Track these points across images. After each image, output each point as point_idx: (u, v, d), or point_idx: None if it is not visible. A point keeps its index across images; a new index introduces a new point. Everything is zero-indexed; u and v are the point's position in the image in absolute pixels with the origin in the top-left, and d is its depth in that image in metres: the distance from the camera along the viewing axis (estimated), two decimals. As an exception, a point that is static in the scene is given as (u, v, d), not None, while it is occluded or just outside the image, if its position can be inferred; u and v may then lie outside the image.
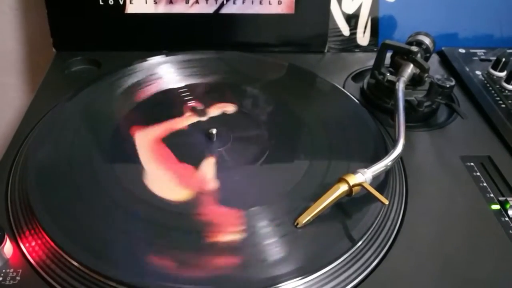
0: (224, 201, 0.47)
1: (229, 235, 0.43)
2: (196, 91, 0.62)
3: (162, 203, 0.46)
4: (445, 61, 0.74)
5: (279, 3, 0.71)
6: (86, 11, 0.69)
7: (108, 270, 0.39)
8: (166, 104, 0.60)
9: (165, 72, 0.65)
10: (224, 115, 0.59)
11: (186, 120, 0.57)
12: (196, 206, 0.46)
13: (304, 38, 0.74)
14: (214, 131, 0.54)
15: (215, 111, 0.59)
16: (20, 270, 0.41)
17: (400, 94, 0.56)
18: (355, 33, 0.76)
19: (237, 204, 0.46)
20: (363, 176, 0.45)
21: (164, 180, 0.49)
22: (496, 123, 0.60)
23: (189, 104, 0.60)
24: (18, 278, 0.40)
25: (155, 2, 0.70)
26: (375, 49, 0.75)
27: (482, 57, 0.73)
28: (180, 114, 0.58)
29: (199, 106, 0.59)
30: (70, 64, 0.69)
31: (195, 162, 0.51)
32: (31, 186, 0.46)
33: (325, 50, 0.75)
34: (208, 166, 0.51)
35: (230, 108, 0.59)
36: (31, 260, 0.41)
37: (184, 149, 0.53)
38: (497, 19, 0.77)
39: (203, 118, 0.58)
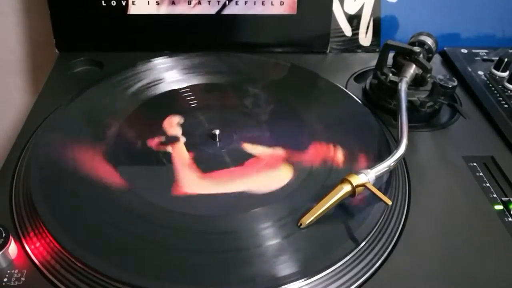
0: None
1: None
2: (199, 92, 0.63)
3: (163, 205, 0.46)
4: (447, 61, 0.74)
5: (281, 3, 0.71)
6: (88, 12, 0.69)
7: (112, 270, 0.39)
8: (169, 105, 0.60)
9: (168, 73, 0.65)
10: (226, 116, 0.59)
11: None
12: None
13: (306, 39, 0.74)
14: (217, 132, 0.54)
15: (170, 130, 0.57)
16: (25, 271, 0.41)
17: (403, 95, 0.56)
18: (357, 34, 0.76)
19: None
20: (366, 177, 0.45)
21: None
22: (499, 123, 0.60)
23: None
24: (23, 278, 0.40)
25: (157, 3, 0.70)
26: (377, 50, 0.75)
27: (485, 57, 0.73)
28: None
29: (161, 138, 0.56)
30: (73, 65, 0.69)
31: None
32: (35, 187, 0.47)
33: (327, 51, 0.75)
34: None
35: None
36: (36, 261, 0.42)
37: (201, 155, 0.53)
38: (499, 19, 0.77)
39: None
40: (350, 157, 0.53)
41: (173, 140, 0.54)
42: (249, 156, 0.53)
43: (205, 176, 0.50)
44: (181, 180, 0.49)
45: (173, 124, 0.57)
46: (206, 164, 0.52)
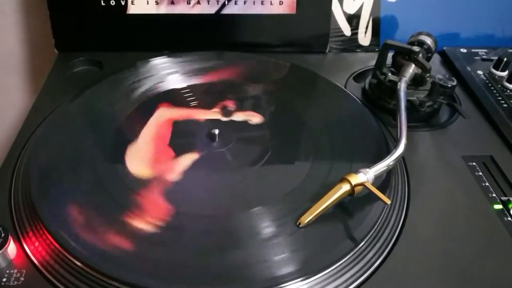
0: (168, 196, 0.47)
1: (146, 225, 0.44)
2: (198, 92, 0.63)
3: (163, 204, 0.46)
4: (446, 61, 0.74)
5: (281, 3, 0.71)
6: (87, 12, 0.69)
7: (111, 270, 0.39)
8: (167, 104, 0.60)
9: (167, 73, 0.65)
10: (226, 116, 0.59)
11: (209, 114, 0.58)
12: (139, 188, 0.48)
13: (306, 38, 0.74)
14: (216, 131, 0.54)
15: (239, 116, 0.59)
16: (24, 271, 0.41)
17: (402, 94, 0.56)
18: (356, 33, 0.76)
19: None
20: (365, 176, 0.45)
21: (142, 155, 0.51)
22: (498, 122, 0.60)
23: (221, 101, 0.60)
24: (22, 278, 0.40)
25: (157, 3, 0.70)
26: (377, 49, 0.75)
27: (484, 57, 0.73)
28: (208, 106, 0.59)
29: (230, 106, 0.60)
30: (72, 65, 0.69)
31: (179, 152, 0.52)
32: (34, 187, 0.47)
33: (327, 50, 0.75)
34: (186, 160, 0.52)
35: (255, 119, 0.58)
36: (35, 261, 0.42)
37: (183, 137, 0.55)
38: (498, 18, 0.77)
39: (225, 119, 0.58)
40: (349, 157, 0.53)
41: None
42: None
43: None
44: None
45: (194, 111, 0.58)
46: (206, 163, 0.52)
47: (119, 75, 0.64)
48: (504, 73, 0.68)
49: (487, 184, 0.52)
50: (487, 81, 0.67)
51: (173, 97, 0.61)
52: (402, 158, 0.52)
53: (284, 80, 0.68)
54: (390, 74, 0.61)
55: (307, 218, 0.43)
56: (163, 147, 0.53)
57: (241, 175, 0.51)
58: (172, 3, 0.70)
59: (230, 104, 0.60)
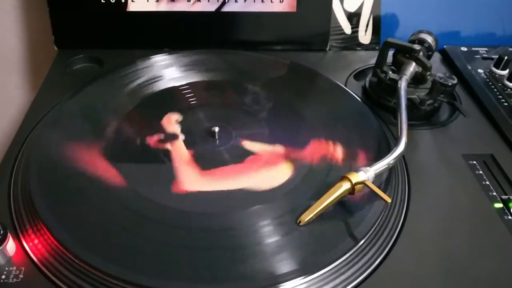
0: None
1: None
2: (198, 89, 0.62)
3: (162, 202, 0.46)
4: (447, 59, 0.74)
5: (281, 1, 0.71)
6: (87, 9, 0.69)
7: (110, 268, 0.39)
8: (168, 103, 0.60)
9: (167, 70, 0.65)
10: (226, 113, 0.59)
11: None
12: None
13: (306, 37, 0.74)
14: (216, 129, 0.54)
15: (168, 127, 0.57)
16: (23, 268, 0.41)
17: (402, 93, 0.56)
18: (357, 32, 0.75)
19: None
20: (366, 174, 0.45)
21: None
22: (499, 121, 0.60)
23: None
24: (21, 276, 0.40)
25: (157, 0, 0.69)
26: (377, 48, 0.75)
27: (484, 55, 0.73)
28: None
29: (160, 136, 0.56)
30: (72, 62, 0.69)
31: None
32: (34, 184, 0.46)
33: (327, 49, 0.75)
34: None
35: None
36: (34, 258, 0.42)
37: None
38: (499, 17, 0.77)
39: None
40: (349, 155, 0.53)
41: (172, 137, 0.54)
42: (249, 153, 0.53)
43: (205, 173, 0.50)
44: (181, 178, 0.49)
45: (172, 122, 0.57)
46: (205, 161, 0.51)
47: (119, 73, 0.64)
48: (505, 72, 0.68)
49: (487, 182, 0.52)
50: (488, 80, 0.67)
51: (173, 95, 0.61)
52: (403, 156, 0.52)
53: (285, 78, 0.67)
54: (390, 73, 0.61)
55: (307, 216, 0.43)
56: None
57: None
58: (172, 0, 0.70)
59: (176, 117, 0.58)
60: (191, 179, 0.49)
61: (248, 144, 0.54)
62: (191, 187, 0.48)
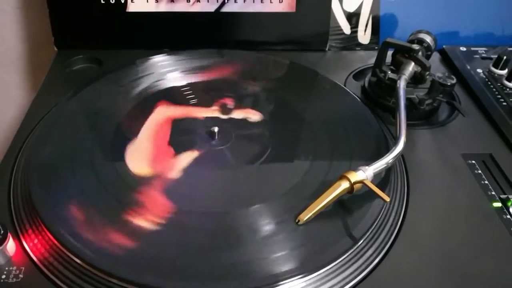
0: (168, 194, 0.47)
1: (146, 222, 0.44)
2: (198, 89, 0.63)
3: (161, 201, 0.46)
4: (446, 59, 0.74)
5: (280, 1, 0.71)
6: (87, 9, 0.69)
7: (111, 267, 0.39)
8: (167, 102, 0.60)
9: (167, 71, 0.65)
10: (225, 114, 0.59)
11: (208, 112, 0.58)
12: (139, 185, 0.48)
13: (306, 37, 0.74)
14: (216, 129, 0.54)
15: (239, 114, 0.59)
16: (23, 268, 0.41)
17: (401, 92, 0.56)
18: (356, 32, 0.76)
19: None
20: (365, 174, 0.45)
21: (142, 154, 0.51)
22: (498, 121, 0.60)
23: (220, 99, 0.60)
24: (21, 275, 0.40)
25: (156, 1, 0.70)
26: (376, 48, 0.75)
27: (483, 55, 0.73)
28: (207, 104, 0.59)
29: (229, 103, 0.60)
30: (72, 63, 0.69)
31: (179, 150, 0.52)
32: (34, 184, 0.47)
33: (326, 48, 0.75)
34: (186, 158, 0.52)
35: (254, 116, 0.58)
36: (34, 258, 0.42)
37: (182, 135, 0.55)
38: (498, 17, 0.77)
39: (224, 116, 0.58)
40: (348, 154, 0.53)
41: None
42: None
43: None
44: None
45: (193, 110, 0.58)
46: (205, 161, 0.52)
47: (119, 73, 0.64)
48: (504, 71, 0.68)
49: (486, 182, 0.52)
50: (487, 79, 0.67)
51: (173, 95, 0.61)
52: (402, 156, 0.52)
53: (284, 78, 0.68)
54: (389, 72, 0.61)
55: (306, 215, 0.43)
56: (163, 145, 0.53)
57: (240, 172, 0.51)
58: (172, 1, 0.70)
59: (229, 102, 0.60)
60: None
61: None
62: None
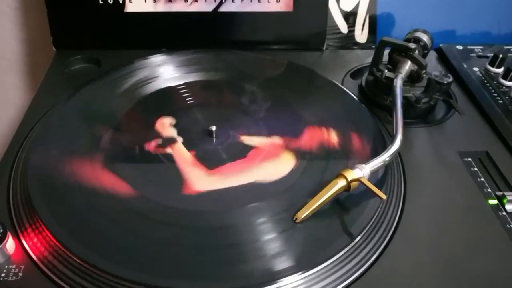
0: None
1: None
2: (195, 89, 0.63)
3: (159, 200, 0.47)
4: (443, 57, 0.74)
5: (278, 1, 0.71)
6: (85, 10, 0.70)
7: (110, 265, 0.40)
8: (165, 102, 0.60)
9: (165, 70, 0.66)
10: (223, 113, 0.59)
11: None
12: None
13: (303, 36, 0.74)
14: (213, 128, 0.55)
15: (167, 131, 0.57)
16: (22, 266, 0.41)
17: (398, 91, 0.56)
18: (353, 31, 0.76)
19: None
20: (361, 172, 0.45)
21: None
22: (494, 119, 0.60)
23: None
24: (20, 274, 0.41)
25: (154, 1, 0.70)
26: (373, 47, 0.75)
27: (480, 53, 0.74)
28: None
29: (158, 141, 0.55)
30: (70, 63, 0.69)
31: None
32: (32, 184, 0.47)
33: (324, 48, 0.76)
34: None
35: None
36: (33, 256, 0.42)
37: (181, 134, 0.55)
38: (494, 16, 0.78)
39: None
40: (345, 153, 0.53)
41: (171, 139, 0.55)
42: (246, 150, 0.53)
43: (210, 172, 0.51)
44: (188, 179, 0.49)
45: (169, 123, 0.57)
46: (203, 159, 0.52)
47: (117, 73, 0.64)
48: (500, 70, 0.68)
49: (482, 179, 0.52)
50: (483, 78, 0.68)
51: (170, 95, 0.62)
52: (398, 154, 0.53)
53: (281, 77, 0.68)
54: (386, 71, 0.61)
55: (303, 213, 0.44)
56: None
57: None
58: (170, 1, 0.70)
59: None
60: (199, 179, 0.50)
61: (247, 140, 0.55)
62: (200, 188, 0.49)
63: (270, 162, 0.52)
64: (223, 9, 0.71)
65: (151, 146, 0.53)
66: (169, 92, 0.62)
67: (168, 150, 0.53)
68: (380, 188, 0.46)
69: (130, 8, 0.70)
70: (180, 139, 0.54)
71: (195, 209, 0.46)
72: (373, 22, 0.76)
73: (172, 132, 0.55)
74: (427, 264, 0.43)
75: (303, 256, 0.42)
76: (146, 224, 0.44)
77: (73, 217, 0.44)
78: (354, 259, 0.43)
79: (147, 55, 0.67)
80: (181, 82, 0.64)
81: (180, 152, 0.53)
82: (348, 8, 0.74)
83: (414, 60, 0.60)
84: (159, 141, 0.54)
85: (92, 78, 0.63)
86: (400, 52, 0.62)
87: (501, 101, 0.63)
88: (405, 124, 0.53)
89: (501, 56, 0.68)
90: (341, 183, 0.45)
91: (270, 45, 0.74)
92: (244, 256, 0.42)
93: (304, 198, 0.45)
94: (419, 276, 0.42)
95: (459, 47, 0.75)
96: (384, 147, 0.52)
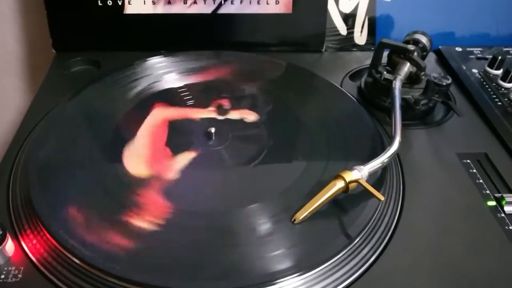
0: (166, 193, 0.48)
1: (144, 222, 0.44)
2: (195, 91, 0.63)
3: (159, 199, 0.47)
4: (442, 59, 0.74)
5: (277, 3, 0.71)
6: (85, 12, 0.70)
7: (109, 267, 0.40)
8: (164, 104, 0.61)
9: (164, 72, 0.66)
10: (222, 115, 0.59)
11: (205, 113, 0.59)
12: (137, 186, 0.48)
13: (302, 38, 0.75)
14: (212, 129, 0.55)
15: (235, 115, 0.59)
16: (22, 268, 0.41)
17: (397, 92, 0.56)
18: (352, 32, 0.76)
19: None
20: (360, 173, 0.46)
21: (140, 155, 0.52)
22: (493, 120, 0.60)
23: (217, 100, 0.61)
24: (20, 275, 0.41)
25: (154, 3, 0.70)
26: (373, 48, 0.75)
27: (479, 55, 0.74)
28: (204, 106, 0.60)
29: (225, 104, 0.60)
30: (70, 65, 0.69)
31: (177, 151, 0.53)
32: (32, 185, 0.47)
33: (323, 49, 0.76)
34: (184, 158, 0.52)
35: (251, 117, 0.59)
36: (33, 258, 0.42)
37: (180, 136, 0.55)
38: (493, 18, 0.78)
39: (220, 117, 0.58)
40: (344, 154, 0.53)
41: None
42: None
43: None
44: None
45: (190, 111, 0.58)
46: (203, 161, 0.52)
47: (117, 75, 0.64)
48: (499, 72, 0.69)
49: (481, 181, 0.53)
50: (482, 79, 0.68)
51: (170, 96, 0.62)
52: (397, 155, 0.53)
53: (281, 79, 0.68)
54: (385, 73, 0.61)
55: (302, 214, 0.44)
56: (160, 146, 0.53)
57: (237, 172, 0.51)
58: (169, 2, 0.70)
59: (225, 103, 0.60)
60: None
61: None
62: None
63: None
64: (222, 11, 0.72)
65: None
66: (168, 94, 0.62)
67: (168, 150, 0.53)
68: (379, 189, 0.46)
69: (129, 10, 0.70)
70: (179, 139, 0.55)
71: (194, 209, 0.46)
72: (372, 24, 0.76)
73: (171, 133, 0.56)
74: (425, 265, 0.43)
75: (302, 257, 0.42)
76: (146, 224, 0.44)
77: (73, 218, 0.44)
78: (353, 260, 0.43)
79: (147, 57, 0.67)
80: (181, 84, 0.64)
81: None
82: (347, 10, 0.75)
83: (413, 62, 0.60)
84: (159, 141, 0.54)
85: (91, 80, 0.63)
86: (399, 54, 0.62)
87: (500, 103, 0.63)
88: (403, 126, 0.53)
89: (500, 58, 0.68)
90: (339, 184, 0.45)
91: (269, 47, 0.75)
92: (243, 257, 0.42)
93: (302, 199, 0.46)
94: (418, 277, 0.42)
95: (458, 49, 0.75)
96: (382, 149, 0.52)
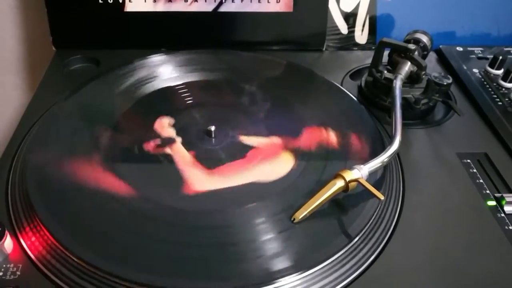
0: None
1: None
2: (195, 89, 0.63)
3: (157, 198, 0.47)
4: (442, 59, 0.74)
5: (278, 1, 0.71)
6: (85, 9, 0.70)
7: (107, 265, 0.40)
8: (164, 102, 0.60)
9: (164, 70, 0.66)
10: (222, 113, 0.59)
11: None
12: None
13: (303, 37, 0.74)
14: (212, 128, 0.54)
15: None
16: (20, 265, 0.41)
17: (397, 92, 0.56)
18: (353, 32, 0.76)
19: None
20: (360, 172, 0.45)
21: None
22: (493, 120, 0.60)
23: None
24: (18, 273, 0.41)
25: (154, 1, 0.70)
26: (373, 47, 0.75)
27: (480, 55, 0.74)
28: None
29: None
30: (70, 62, 0.69)
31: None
32: (31, 183, 0.47)
33: (324, 48, 0.76)
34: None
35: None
36: (31, 255, 0.42)
37: (179, 134, 0.55)
38: (494, 17, 0.78)
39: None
40: (344, 153, 0.53)
41: (170, 139, 0.55)
42: (245, 151, 0.53)
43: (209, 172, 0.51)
44: (188, 179, 0.49)
45: (168, 123, 0.57)
46: (202, 159, 0.52)
47: (116, 73, 0.64)
48: (499, 71, 0.69)
49: (481, 181, 0.52)
50: (483, 79, 0.68)
51: (170, 95, 0.62)
52: (397, 155, 0.53)
53: (281, 78, 0.68)
54: (386, 72, 0.61)
55: (301, 213, 0.44)
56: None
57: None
58: (170, 1, 0.70)
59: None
60: (198, 179, 0.50)
61: (246, 140, 0.55)
62: (200, 188, 0.49)
63: (269, 162, 0.52)
64: (223, 9, 0.71)
65: (150, 146, 0.54)
66: (168, 92, 0.62)
67: (167, 150, 0.53)
68: (379, 188, 0.46)
69: (129, 7, 0.70)
70: (179, 139, 0.54)
71: (194, 209, 0.46)
72: (373, 23, 0.76)
73: (171, 132, 0.55)
74: (425, 265, 0.43)
75: (301, 256, 0.42)
76: (145, 223, 0.44)
77: (71, 216, 0.44)
78: (353, 259, 0.43)
79: (147, 55, 0.67)
80: (181, 82, 0.64)
81: (180, 152, 0.53)
82: (348, 8, 0.74)
83: (414, 61, 0.60)
84: (158, 141, 0.54)
85: (91, 78, 0.63)
86: (399, 53, 0.62)
87: (500, 103, 0.63)
88: (404, 125, 0.53)
89: (501, 57, 0.68)
90: (339, 183, 0.45)
91: (270, 45, 0.74)
92: (242, 256, 0.42)
93: (302, 199, 0.45)
94: (417, 276, 0.42)
95: (459, 49, 0.75)
96: (383, 148, 0.52)
